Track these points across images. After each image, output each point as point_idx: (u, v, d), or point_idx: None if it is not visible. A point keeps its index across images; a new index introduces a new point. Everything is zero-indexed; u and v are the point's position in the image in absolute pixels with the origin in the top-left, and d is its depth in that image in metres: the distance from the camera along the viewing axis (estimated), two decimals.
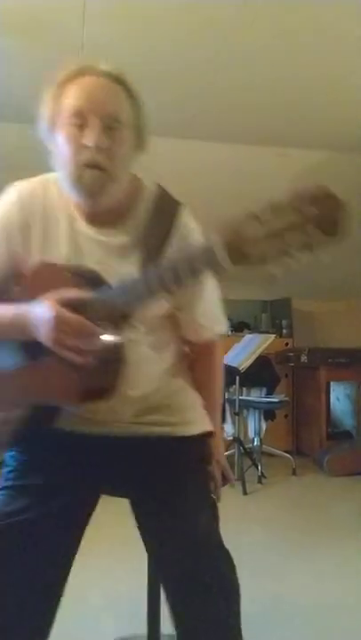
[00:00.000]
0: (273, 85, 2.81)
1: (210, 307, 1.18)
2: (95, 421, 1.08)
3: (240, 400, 3.83)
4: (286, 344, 4.70)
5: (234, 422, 3.97)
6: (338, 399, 5.00)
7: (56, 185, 1.12)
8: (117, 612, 1.95)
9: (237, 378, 3.59)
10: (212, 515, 1.11)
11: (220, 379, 1.26)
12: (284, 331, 4.86)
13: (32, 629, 0.99)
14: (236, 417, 3.92)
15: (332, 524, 2.96)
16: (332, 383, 4.67)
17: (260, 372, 4.00)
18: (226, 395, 4.07)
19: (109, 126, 1.01)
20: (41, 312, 0.96)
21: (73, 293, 0.97)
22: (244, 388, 4.05)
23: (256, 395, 4.16)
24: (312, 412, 4.44)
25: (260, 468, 3.75)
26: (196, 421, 1.19)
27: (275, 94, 2.89)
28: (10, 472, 1.12)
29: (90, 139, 0.99)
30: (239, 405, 3.86)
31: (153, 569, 1.48)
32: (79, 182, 1.02)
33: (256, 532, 2.61)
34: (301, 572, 2.34)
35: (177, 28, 2.34)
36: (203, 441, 1.19)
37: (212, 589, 1.02)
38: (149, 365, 1.12)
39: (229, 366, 3.33)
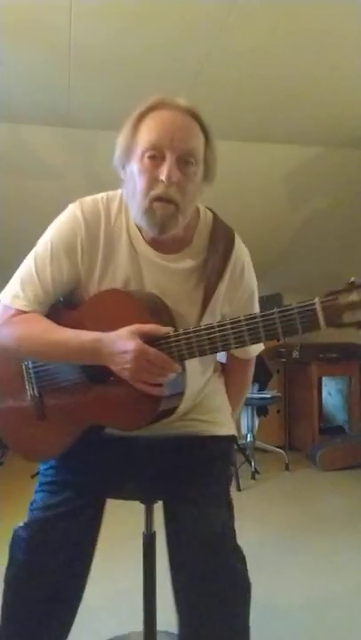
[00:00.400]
0: (267, 82, 2.80)
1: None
2: None
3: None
4: (278, 340, 4.71)
5: None
6: (330, 394, 5.02)
7: (117, 204, 1.16)
8: (114, 611, 1.96)
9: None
10: (228, 515, 1.17)
11: (248, 389, 1.43)
12: None
13: (72, 603, 1.17)
14: None
15: (325, 519, 2.98)
16: (323, 378, 4.69)
17: None
18: None
19: (183, 161, 1.05)
20: (119, 343, 1.00)
21: (150, 327, 1.01)
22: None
23: (249, 391, 4.17)
24: (304, 408, 4.46)
25: (253, 463, 3.77)
26: (224, 423, 1.27)
27: (269, 91, 2.89)
28: (48, 469, 1.24)
29: (165, 174, 1.03)
30: None
31: (149, 567, 1.50)
32: (150, 214, 1.06)
33: (250, 527, 2.62)
34: (295, 566, 2.36)
35: (167, 26, 2.33)
36: (228, 442, 1.27)
37: (224, 590, 1.07)
38: (197, 378, 1.21)
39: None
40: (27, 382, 1.19)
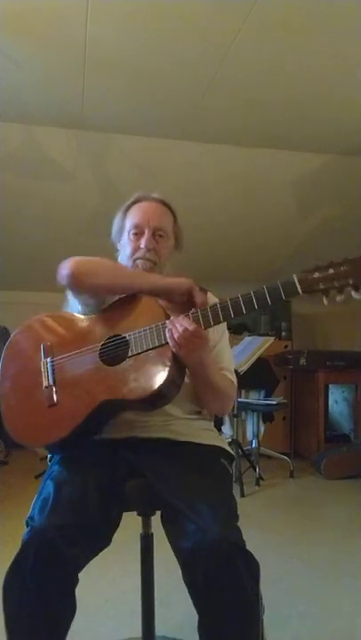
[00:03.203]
0: (278, 90, 2.81)
1: (228, 356, 1.58)
2: (136, 426, 1.38)
3: (238, 402, 3.83)
4: (285, 346, 4.70)
5: (232, 424, 3.97)
6: (336, 402, 5.00)
7: None
8: (113, 615, 1.96)
9: (236, 380, 3.57)
10: (230, 513, 1.23)
11: (228, 402, 1.53)
12: (284, 333, 4.86)
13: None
14: (235, 419, 3.92)
15: (329, 527, 2.96)
16: (330, 386, 4.67)
17: (259, 375, 4.00)
18: None
19: (158, 235, 1.51)
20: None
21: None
22: (243, 390, 4.06)
23: (255, 397, 4.16)
24: (310, 415, 4.44)
25: (257, 470, 3.76)
26: (213, 440, 1.46)
27: (280, 98, 2.90)
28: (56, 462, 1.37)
29: (143, 243, 1.49)
30: (238, 407, 3.86)
31: (147, 571, 1.49)
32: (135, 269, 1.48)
33: (253, 533, 2.60)
34: (298, 573, 2.34)
35: (182, 32, 2.35)
36: (221, 451, 1.44)
37: (229, 592, 1.09)
38: (187, 391, 1.42)
39: None
40: (43, 375, 1.38)
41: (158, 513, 1.41)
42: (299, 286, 1.18)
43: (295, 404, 4.61)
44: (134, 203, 1.56)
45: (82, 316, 1.44)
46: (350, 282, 1.15)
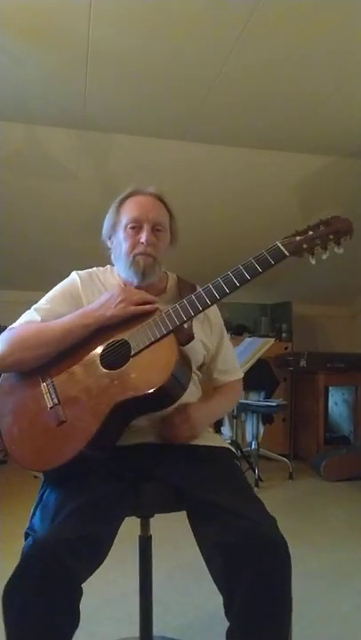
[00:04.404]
0: (280, 91, 2.80)
1: (231, 357, 1.64)
2: (142, 433, 1.36)
3: (238, 403, 3.83)
4: (286, 348, 4.70)
5: (232, 425, 3.97)
6: (336, 404, 5.00)
7: (108, 272, 1.55)
8: (111, 615, 1.95)
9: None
10: (258, 502, 1.24)
11: (232, 406, 1.67)
12: (284, 335, 4.86)
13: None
14: (234, 420, 3.92)
15: (328, 529, 2.96)
16: (330, 388, 4.67)
17: (259, 376, 4.00)
18: None
19: (156, 230, 1.45)
20: (104, 295, 1.38)
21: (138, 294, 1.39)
22: (243, 392, 4.05)
23: (254, 398, 4.16)
24: (310, 417, 4.44)
25: (257, 471, 3.76)
26: (220, 442, 1.48)
27: (282, 99, 2.89)
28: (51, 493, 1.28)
29: (144, 238, 1.42)
30: (237, 408, 3.86)
31: (145, 572, 1.49)
32: (135, 265, 1.44)
33: None
34: (296, 575, 2.34)
35: (185, 32, 2.34)
36: (229, 452, 1.46)
37: (276, 581, 1.12)
38: (192, 394, 1.43)
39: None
40: (46, 398, 1.31)
41: (157, 515, 1.41)
42: (284, 249, 1.27)
43: (295, 406, 4.61)
44: (128, 196, 1.49)
45: None
46: (331, 237, 1.27)
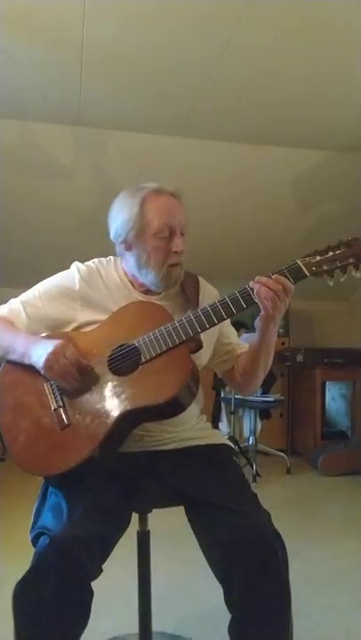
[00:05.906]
0: (277, 85, 2.80)
1: (235, 334, 1.58)
2: (144, 441, 1.34)
3: (235, 399, 3.84)
4: (283, 343, 4.70)
5: (229, 421, 3.97)
6: (333, 399, 5.01)
7: (112, 266, 1.46)
8: (111, 612, 1.96)
9: None
10: (253, 498, 1.27)
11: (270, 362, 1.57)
12: (281, 330, 4.86)
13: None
14: (232, 416, 3.92)
15: (326, 523, 2.97)
16: (327, 383, 4.68)
17: None
18: (221, 393, 4.09)
19: (182, 234, 1.36)
20: (50, 343, 1.25)
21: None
22: None
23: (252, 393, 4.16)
24: (307, 412, 4.45)
25: (254, 466, 3.76)
26: (218, 438, 1.48)
27: (279, 94, 2.89)
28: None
29: (179, 247, 1.34)
30: (235, 404, 3.87)
31: (144, 567, 1.49)
32: (168, 277, 1.36)
33: None
34: (293, 570, 2.35)
35: (180, 26, 2.34)
36: (227, 448, 1.46)
37: (271, 572, 1.14)
38: (192, 409, 1.40)
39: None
40: (49, 398, 1.28)
41: (155, 511, 1.41)
42: (305, 270, 1.23)
43: (292, 401, 4.62)
44: (150, 196, 1.35)
45: (78, 332, 1.36)
46: (351, 261, 1.23)
